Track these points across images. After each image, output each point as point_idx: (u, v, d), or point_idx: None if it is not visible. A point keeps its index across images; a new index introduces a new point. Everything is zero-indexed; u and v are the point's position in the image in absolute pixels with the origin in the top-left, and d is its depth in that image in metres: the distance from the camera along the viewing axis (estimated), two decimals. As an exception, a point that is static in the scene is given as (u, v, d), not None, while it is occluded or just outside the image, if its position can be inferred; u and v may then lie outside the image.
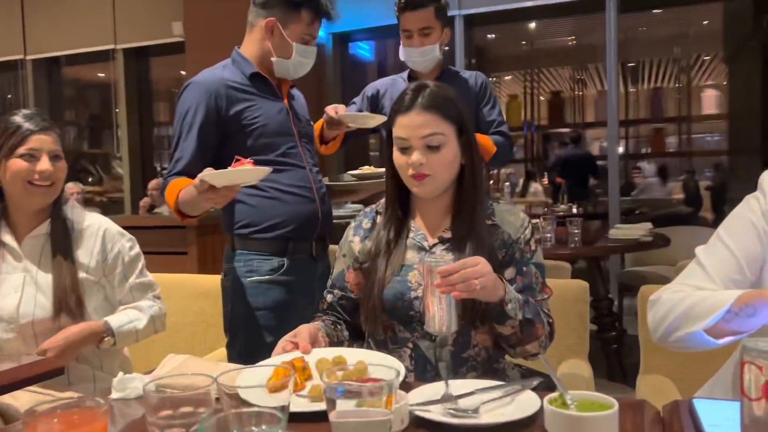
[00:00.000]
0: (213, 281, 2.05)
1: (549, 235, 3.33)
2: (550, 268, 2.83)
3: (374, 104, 2.40)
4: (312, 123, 2.12)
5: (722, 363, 1.27)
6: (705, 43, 8.03)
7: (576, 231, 3.28)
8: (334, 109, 2.04)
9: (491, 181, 7.64)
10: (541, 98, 9.19)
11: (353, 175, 2.35)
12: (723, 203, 7.24)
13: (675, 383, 1.52)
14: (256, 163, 1.61)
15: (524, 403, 1.00)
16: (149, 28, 5.60)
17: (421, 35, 2.20)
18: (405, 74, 2.40)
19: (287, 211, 1.88)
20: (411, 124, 1.35)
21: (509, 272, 1.38)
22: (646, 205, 6.79)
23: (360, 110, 2.40)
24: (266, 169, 1.60)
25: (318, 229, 1.93)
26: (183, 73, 5.21)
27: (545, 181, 8.42)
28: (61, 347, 1.51)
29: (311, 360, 1.19)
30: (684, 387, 1.53)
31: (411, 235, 1.44)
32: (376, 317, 1.39)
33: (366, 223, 1.51)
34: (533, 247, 1.42)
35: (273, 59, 1.90)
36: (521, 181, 8.70)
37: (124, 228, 1.77)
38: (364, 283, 1.44)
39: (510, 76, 9.32)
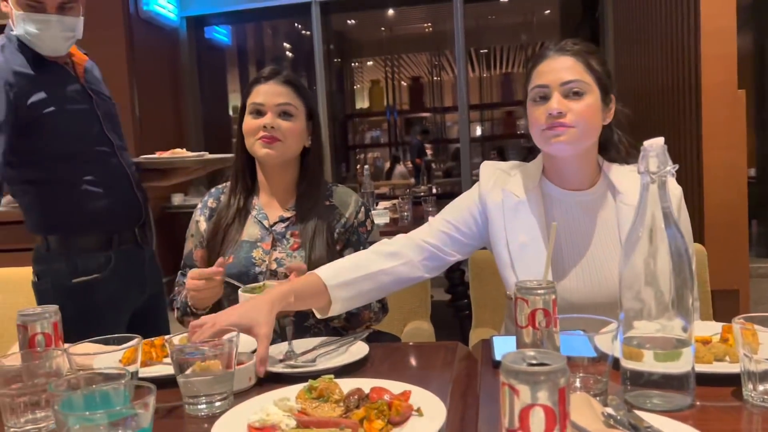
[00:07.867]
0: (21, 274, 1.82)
1: (406, 213, 3.60)
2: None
3: None
4: (111, 99, 1.85)
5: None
6: (547, 31, 8.71)
7: (431, 209, 3.57)
8: None
9: (359, 165, 7.84)
10: (402, 83, 9.50)
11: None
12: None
13: (499, 332, 1.73)
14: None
15: (354, 351, 1.15)
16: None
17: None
18: None
19: (106, 203, 1.71)
20: (268, 92, 1.44)
21: (348, 253, 1.49)
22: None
23: None
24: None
25: (141, 215, 1.80)
26: None
27: (408, 163, 8.78)
28: None
29: None
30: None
31: (254, 213, 1.51)
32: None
33: (211, 202, 1.56)
34: (369, 227, 1.56)
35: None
36: (387, 164, 8.99)
37: None
38: (207, 258, 1.49)
39: (371, 62, 9.56)
